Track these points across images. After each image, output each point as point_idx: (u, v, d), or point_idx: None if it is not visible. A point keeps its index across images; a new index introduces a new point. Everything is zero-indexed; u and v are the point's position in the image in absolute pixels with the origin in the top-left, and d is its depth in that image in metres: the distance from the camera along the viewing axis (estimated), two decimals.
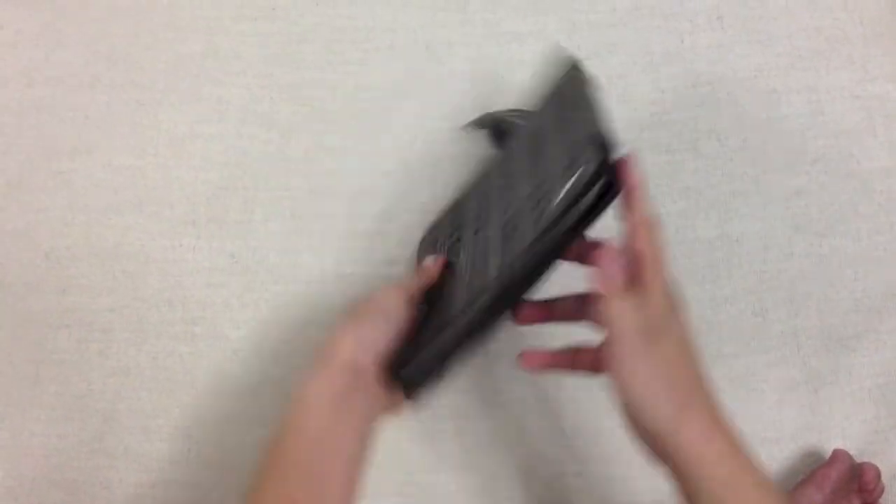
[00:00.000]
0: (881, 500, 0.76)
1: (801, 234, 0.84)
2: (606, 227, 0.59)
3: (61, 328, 0.81)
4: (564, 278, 0.65)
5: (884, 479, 0.76)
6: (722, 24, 0.91)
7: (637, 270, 0.57)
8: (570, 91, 0.68)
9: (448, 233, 0.74)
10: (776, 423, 0.79)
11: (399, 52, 0.90)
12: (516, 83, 0.88)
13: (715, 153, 0.86)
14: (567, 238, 0.59)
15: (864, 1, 0.93)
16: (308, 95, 0.88)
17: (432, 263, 0.71)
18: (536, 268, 0.62)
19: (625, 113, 0.87)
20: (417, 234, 0.78)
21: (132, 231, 0.84)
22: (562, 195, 0.58)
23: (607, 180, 0.57)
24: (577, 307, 0.66)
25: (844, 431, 0.79)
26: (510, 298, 0.64)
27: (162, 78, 0.88)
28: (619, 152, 0.57)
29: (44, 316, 0.81)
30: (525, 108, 0.74)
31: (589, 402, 0.79)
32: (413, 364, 0.65)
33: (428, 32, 0.90)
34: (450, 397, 0.79)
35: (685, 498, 0.55)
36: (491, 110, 0.82)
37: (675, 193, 0.85)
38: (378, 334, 0.63)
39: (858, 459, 0.77)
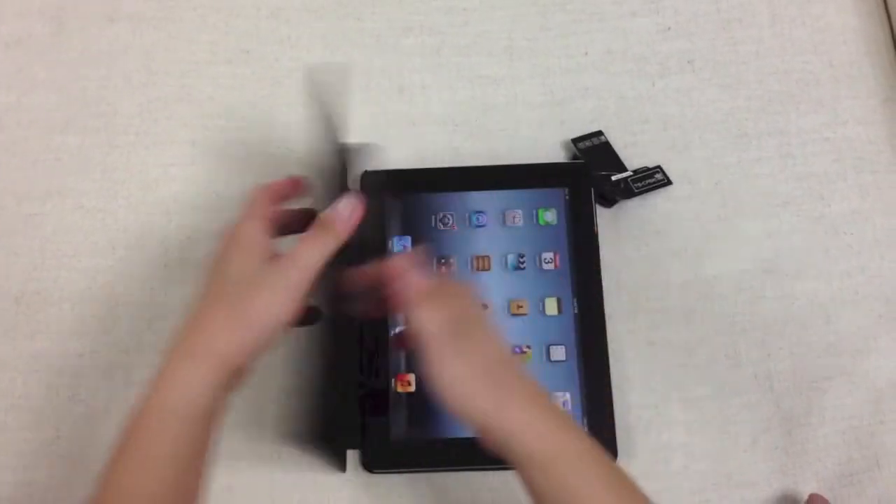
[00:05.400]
0: None
1: (772, 277, 0.84)
2: None
3: (31, 373, 0.80)
4: None
5: None
6: (693, 67, 0.92)
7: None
8: None
9: None
10: (751, 466, 0.79)
11: (374, 94, 0.90)
12: (489, 126, 0.89)
13: (687, 196, 0.87)
14: None
15: (834, 44, 0.94)
16: (282, 137, 0.88)
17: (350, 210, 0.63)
18: None
19: None
20: None
21: (103, 274, 0.83)
22: None
23: None
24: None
25: (818, 474, 0.79)
26: None
27: (135, 121, 0.88)
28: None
29: (13, 361, 0.80)
30: None
31: None
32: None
33: (402, 76, 0.91)
34: None
35: (525, 483, 0.57)
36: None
37: (647, 237, 0.85)
38: (262, 346, 0.59)
39: (833, 503, 0.77)
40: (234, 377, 0.58)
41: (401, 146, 0.88)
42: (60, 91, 0.88)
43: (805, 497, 0.77)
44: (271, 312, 0.58)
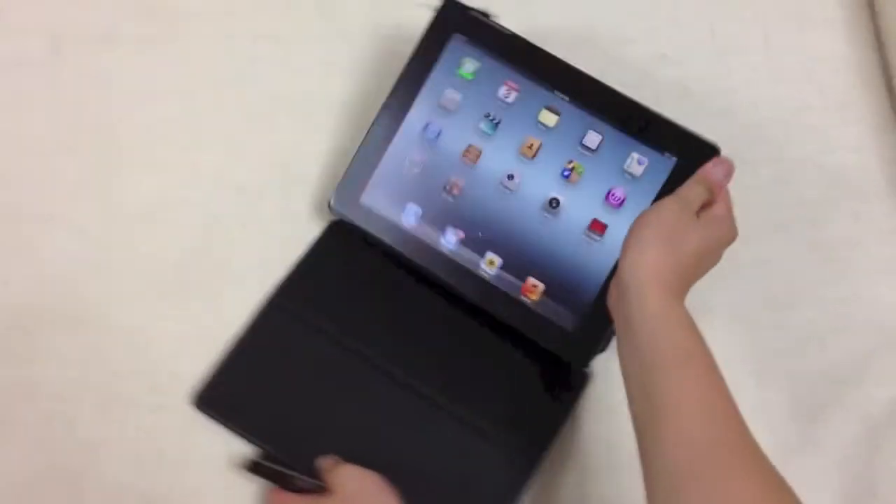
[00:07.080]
0: None
1: (767, 305, 0.85)
2: None
3: (26, 399, 0.79)
4: None
5: None
6: (687, 93, 0.93)
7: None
8: None
9: None
10: None
11: (373, 117, 0.90)
12: None
13: None
14: None
15: (827, 72, 0.95)
16: (281, 162, 0.88)
17: None
18: None
19: None
20: None
21: (99, 299, 0.82)
22: None
23: None
24: None
25: (814, 503, 0.80)
26: None
27: (133, 142, 0.88)
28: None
29: (8, 387, 0.79)
30: None
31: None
32: None
33: None
34: None
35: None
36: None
37: None
38: None
39: None
40: None
41: None
42: (57, 113, 0.88)
43: None
44: None
